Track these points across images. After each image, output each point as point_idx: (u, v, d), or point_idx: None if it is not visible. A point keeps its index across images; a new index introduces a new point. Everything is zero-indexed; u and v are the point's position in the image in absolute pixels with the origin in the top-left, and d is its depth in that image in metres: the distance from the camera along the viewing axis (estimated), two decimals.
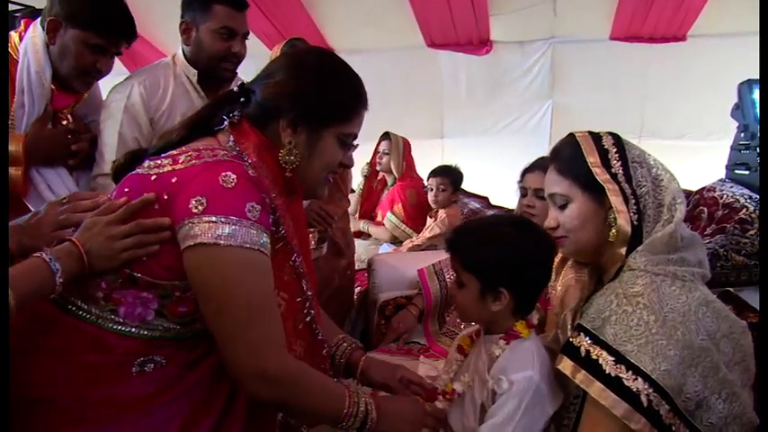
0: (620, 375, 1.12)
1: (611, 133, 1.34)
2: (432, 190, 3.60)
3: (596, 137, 1.33)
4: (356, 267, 3.32)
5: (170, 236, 1.08)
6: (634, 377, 1.11)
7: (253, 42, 4.63)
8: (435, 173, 3.64)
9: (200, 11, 1.96)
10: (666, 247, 1.21)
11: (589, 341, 1.18)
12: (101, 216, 1.11)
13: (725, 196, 2.55)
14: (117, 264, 1.09)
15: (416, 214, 3.76)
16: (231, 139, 1.17)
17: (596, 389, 1.13)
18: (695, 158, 4.20)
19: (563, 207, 1.32)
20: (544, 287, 1.40)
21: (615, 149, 1.29)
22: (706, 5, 4.32)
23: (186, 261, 1.06)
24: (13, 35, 1.84)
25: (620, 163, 1.28)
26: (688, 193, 2.44)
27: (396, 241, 3.80)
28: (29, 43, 1.78)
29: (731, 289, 1.53)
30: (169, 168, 1.10)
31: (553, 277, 1.44)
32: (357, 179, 4.04)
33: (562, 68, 5.16)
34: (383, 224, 3.89)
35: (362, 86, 1.27)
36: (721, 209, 2.51)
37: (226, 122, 1.20)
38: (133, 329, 1.11)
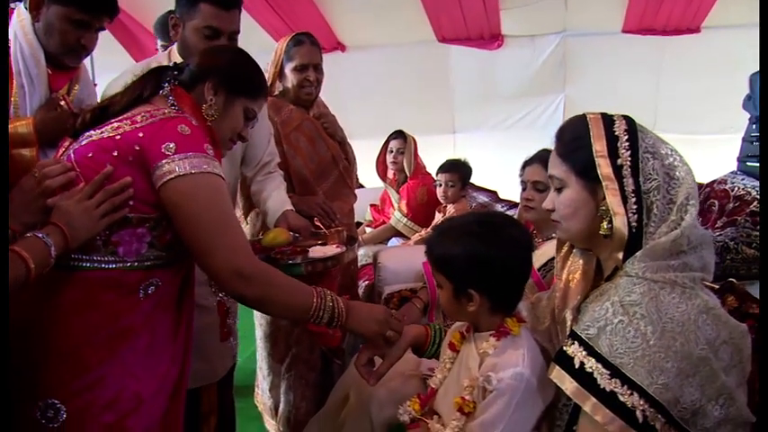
0: (615, 390, 1.08)
1: (625, 117, 1.24)
2: (441, 185, 3.55)
3: (608, 121, 1.23)
4: (363, 262, 3.32)
5: (139, 187, 1.30)
6: (629, 392, 1.06)
7: (261, 37, 4.69)
8: (444, 168, 3.59)
9: (186, 7, 1.91)
10: (668, 252, 1.14)
11: (584, 352, 1.13)
12: (68, 199, 1.27)
13: (736, 188, 2.51)
14: (99, 229, 1.27)
15: (424, 210, 3.72)
16: (171, 99, 1.44)
17: (590, 404, 1.10)
18: (710, 152, 4.14)
19: (559, 190, 1.27)
20: (522, 286, 1.35)
21: (626, 137, 1.20)
22: None
23: (166, 192, 1.28)
24: None
25: (628, 153, 1.18)
26: (699, 186, 2.41)
27: (402, 236, 3.79)
28: (17, 27, 1.78)
29: (734, 280, 1.48)
30: (130, 128, 1.32)
31: (558, 266, 1.37)
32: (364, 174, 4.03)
33: (574, 62, 5.14)
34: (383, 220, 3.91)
35: (266, 84, 1.63)
36: (732, 201, 2.48)
37: (167, 87, 1.46)
38: (135, 263, 1.32)
